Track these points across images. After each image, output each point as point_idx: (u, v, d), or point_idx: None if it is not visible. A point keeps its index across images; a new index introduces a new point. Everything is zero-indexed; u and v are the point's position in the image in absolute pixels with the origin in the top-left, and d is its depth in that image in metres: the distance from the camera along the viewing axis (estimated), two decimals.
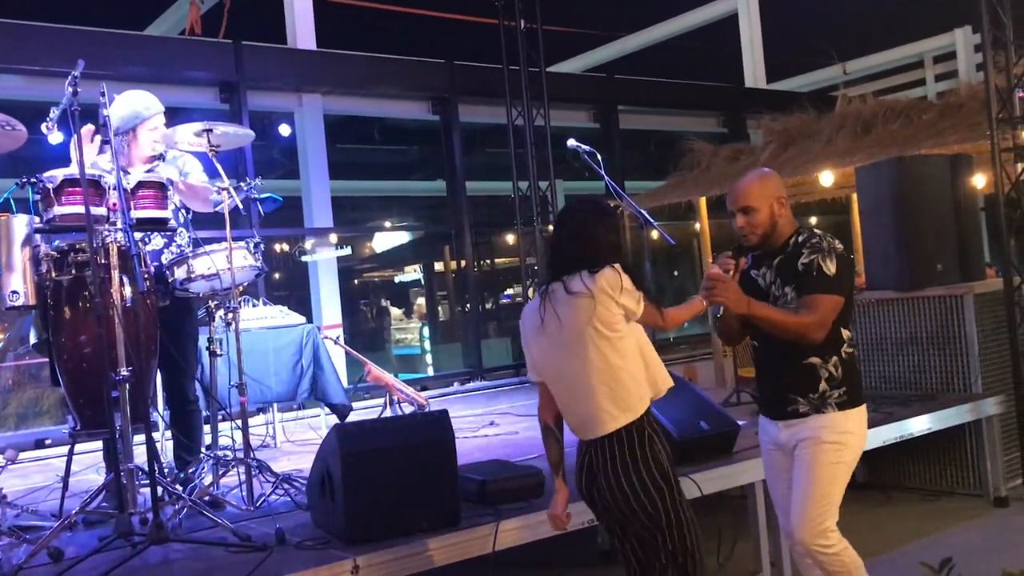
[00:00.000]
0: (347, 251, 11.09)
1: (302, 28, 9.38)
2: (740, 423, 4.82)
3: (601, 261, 2.91)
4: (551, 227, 3.22)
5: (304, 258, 9.97)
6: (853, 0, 14.32)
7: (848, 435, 3.13)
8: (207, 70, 8.67)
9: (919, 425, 5.43)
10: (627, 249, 3.13)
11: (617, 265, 2.92)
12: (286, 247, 13.42)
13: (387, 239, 16.79)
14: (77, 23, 8.03)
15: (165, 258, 4.51)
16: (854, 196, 10.54)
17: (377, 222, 15.06)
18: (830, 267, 3.04)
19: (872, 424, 5.20)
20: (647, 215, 5.28)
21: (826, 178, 9.24)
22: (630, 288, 2.90)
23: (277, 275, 13.43)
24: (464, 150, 10.54)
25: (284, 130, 9.96)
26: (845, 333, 3.15)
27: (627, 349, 2.90)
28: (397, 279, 18.60)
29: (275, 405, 6.58)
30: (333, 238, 9.78)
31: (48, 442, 7.27)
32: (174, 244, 4.62)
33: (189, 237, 4.67)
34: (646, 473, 2.83)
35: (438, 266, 17.00)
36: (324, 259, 9.64)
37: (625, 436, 2.85)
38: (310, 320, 7.10)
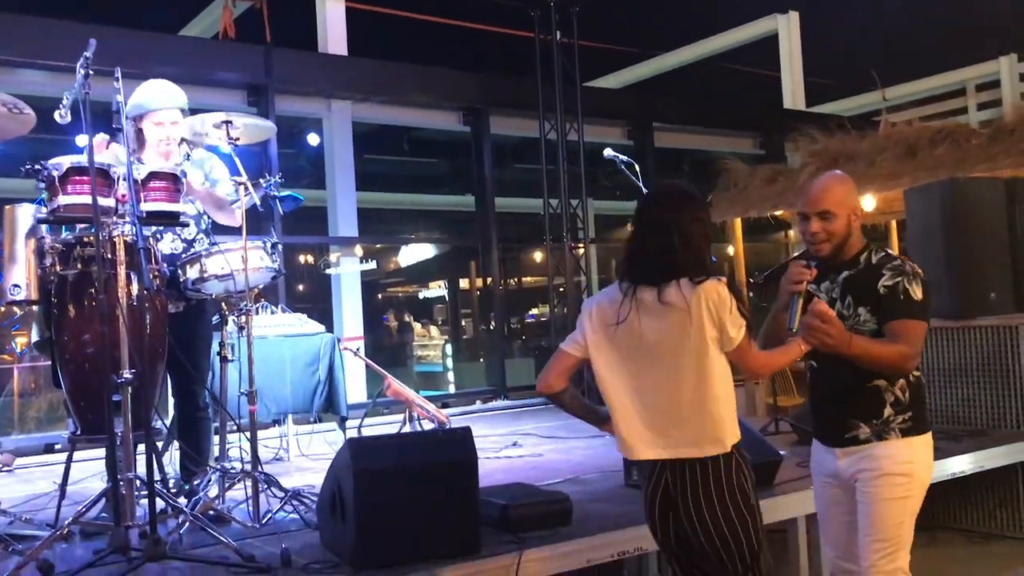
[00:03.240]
0: (372, 265, 10.88)
1: (334, 34, 9.24)
2: (781, 453, 4.52)
3: (699, 268, 2.54)
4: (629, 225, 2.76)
5: (328, 271, 9.76)
6: (894, 27, 14.07)
7: (913, 465, 2.87)
8: (236, 72, 8.53)
9: (969, 463, 5.10)
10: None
11: (724, 279, 2.53)
12: (311, 259, 13.28)
13: (412, 254, 16.64)
14: (113, 24, 7.94)
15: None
16: (893, 223, 10.26)
17: (403, 235, 14.86)
18: (917, 292, 2.82)
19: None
20: None
21: (867, 203, 8.93)
22: (735, 312, 2.50)
23: (301, 287, 13.29)
24: (494, 164, 10.32)
25: (312, 139, 9.82)
26: None
27: (722, 375, 2.55)
28: (421, 295, 18.43)
29: (290, 417, 6.34)
30: (358, 249, 9.58)
31: (58, 447, 7.07)
32: (192, 249, 4.39)
33: (209, 243, 4.43)
34: (732, 505, 2.52)
35: (463, 283, 16.80)
36: (348, 272, 9.43)
37: (711, 464, 2.52)
38: (331, 331, 6.86)
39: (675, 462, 2.55)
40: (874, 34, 14.23)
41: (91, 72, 3.35)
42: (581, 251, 10.12)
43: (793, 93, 13.43)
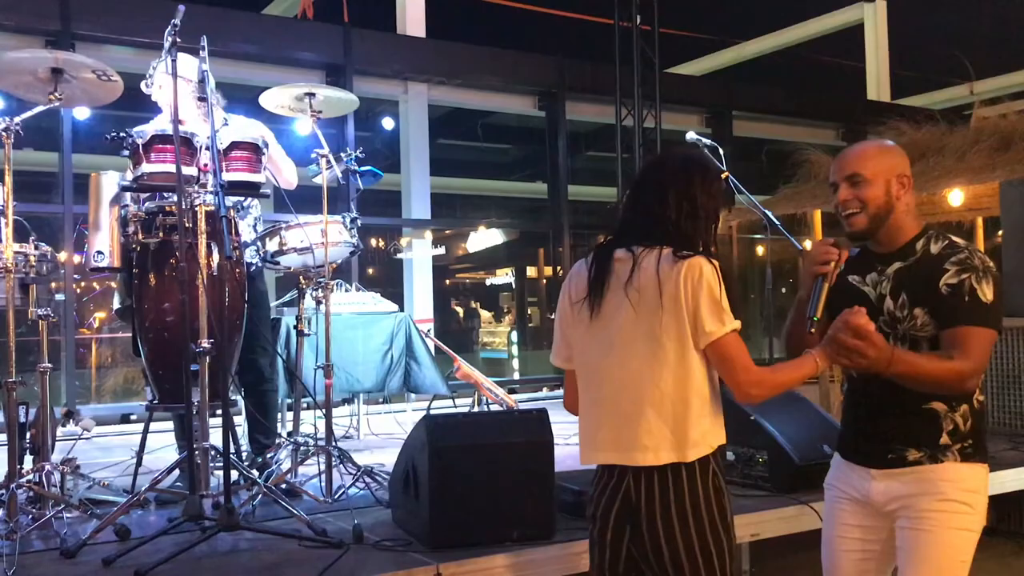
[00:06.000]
0: (441, 251, 10.88)
1: (412, 15, 9.24)
2: None
3: (693, 241, 2.13)
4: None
5: (399, 255, 9.79)
6: (984, 17, 13.57)
7: (977, 496, 2.29)
8: (315, 52, 8.58)
9: None
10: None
11: (715, 263, 2.09)
12: (381, 243, 13.34)
13: (481, 240, 16.64)
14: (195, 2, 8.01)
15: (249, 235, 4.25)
16: (979, 220, 9.88)
17: (473, 221, 14.87)
18: (986, 293, 2.24)
19: (1010, 464, 4.71)
20: (772, 217, 4.88)
21: (955, 197, 8.62)
22: (719, 302, 2.06)
23: (371, 270, 13.36)
24: (568, 151, 10.21)
25: (387, 123, 9.83)
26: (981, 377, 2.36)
27: (699, 369, 2.10)
28: (488, 281, 18.43)
29: (361, 396, 6.34)
30: (429, 234, 9.56)
31: (134, 417, 7.22)
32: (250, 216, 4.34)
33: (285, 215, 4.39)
34: (708, 521, 2.09)
35: (530, 271, 16.73)
36: (420, 257, 9.44)
37: (685, 471, 2.10)
38: (403, 310, 6.85)
39: (638, 469, 2.13)
40: (963, 25, 13.74)
41: (178, 40, 3.35)
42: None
43: (878, 84, 13.05)
